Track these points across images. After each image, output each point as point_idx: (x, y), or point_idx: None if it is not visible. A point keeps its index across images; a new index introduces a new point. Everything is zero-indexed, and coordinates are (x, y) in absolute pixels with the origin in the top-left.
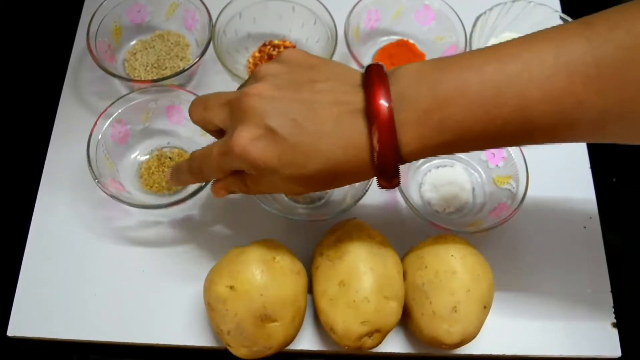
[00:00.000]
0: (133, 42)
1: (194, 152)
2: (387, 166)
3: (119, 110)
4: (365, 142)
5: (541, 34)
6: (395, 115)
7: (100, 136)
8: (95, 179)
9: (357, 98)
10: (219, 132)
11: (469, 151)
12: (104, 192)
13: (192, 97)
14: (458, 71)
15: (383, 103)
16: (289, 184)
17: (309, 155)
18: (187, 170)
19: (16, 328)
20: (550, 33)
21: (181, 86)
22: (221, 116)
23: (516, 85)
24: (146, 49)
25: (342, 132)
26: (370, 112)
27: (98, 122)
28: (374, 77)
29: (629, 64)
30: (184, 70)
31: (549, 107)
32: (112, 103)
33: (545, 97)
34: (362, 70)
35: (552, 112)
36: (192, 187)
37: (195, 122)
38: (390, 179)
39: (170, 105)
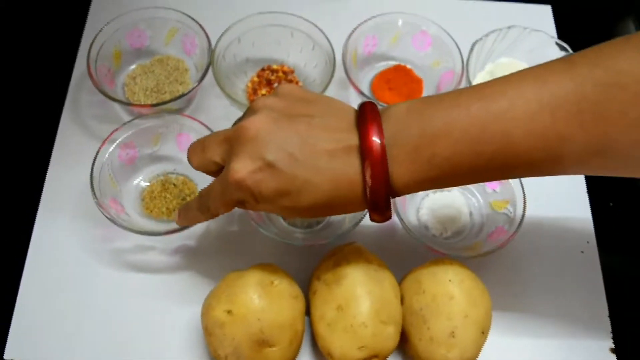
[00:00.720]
0: (132, 67)
1: (201, 191)
2: (379, 200)
3: (129, 133)
4: (359, 178)
5: (526, 72)
6: (387, 151)
7: (107, 156)
8: (94, 199)
9: (351, 135)
10: (220, 172)
11: (458, 185)
12: (102, 213)
13: (202, 128)
14: (445, 110)
15: (376, 140)
16: (284, 211)
17: (304, 188)
18: (196, 208)
19: (14, 351)
20: (534, 72)
21: (180, 110)
22: (220, 153)
23: (501, 123)
24: (146, 73)
25: (336, 168)
26: (363, 149)
27: (106, 143)
28: (367, 115)
29: (608, 101)
30: (183, 95)
31: (534, 143)
32: (123, 125)
33: (530, 134)
34: (357, 106)
35: (536, 147)
36: None
37: (196, 166)
38: (382, 212)
39: (181, 132)
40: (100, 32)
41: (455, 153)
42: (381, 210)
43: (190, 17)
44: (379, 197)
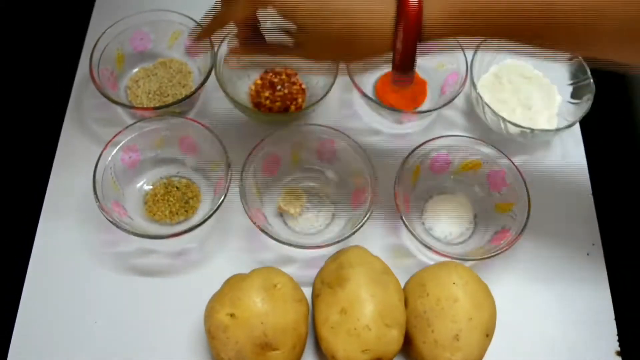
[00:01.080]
0: (136, 70)
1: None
2: (409, 45)
3: (132, 136)
4: (393, 10)
5: None
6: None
7: (109, 159)
8: (97, 202)
9: None
10: None
11: (489, 37)
12: (105, 217)
13: (205, 131)
14: None
15: None
16: (308, 42)
17: (336, 15)
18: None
19: (17, 355)
20: None
21: (183, 113)
22: None
23: None
24: (148, 76)
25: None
26: None
27: (108, 146)
28: None
29: None
30: (185, 98)
31: (573, 5)
32: (126, 128)
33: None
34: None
35: (575, 10)
36: (194, 219)
37: None
38: (407, 65)
39: (184, 135)
40: (102, 35)
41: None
42: (407, 59)
43: (193, 19)
44: (410, 30)
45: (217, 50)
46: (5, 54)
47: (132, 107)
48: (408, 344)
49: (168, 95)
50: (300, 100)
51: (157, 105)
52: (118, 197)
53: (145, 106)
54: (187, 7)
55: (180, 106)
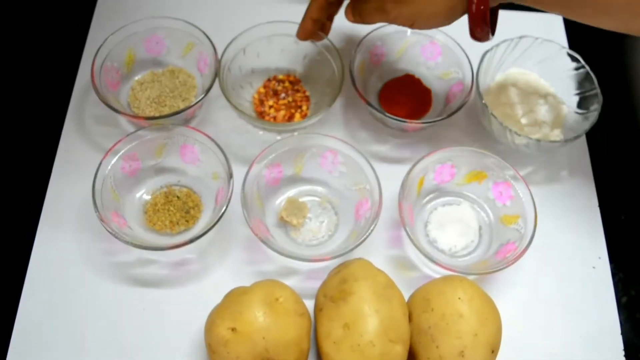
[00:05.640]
0: (145, 72)
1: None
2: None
3: (132, 144)
4: None
5: None
6: None
7: (109, 168)
8: (96, 212)
9: None
10: None
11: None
12: (104, 227)
13: (206, 139)
14: None
15: None
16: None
17: None
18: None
19: None
20: None
21: (177, 124)
22: None
23: None
24: (153, 81)
25: None
26: None
27: (108, 155)
28: None
29: None
30: (178, 112)
31: None
32: (126, 136)
33: None
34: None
35: None
36: (195, 229)
37: None
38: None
39: (185, 144)
40: (105, 41)
41: None
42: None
43: (207, 36)
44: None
45: (220, 59)
46: (3, 56)
47: (119, 112)
48: None
49: (165, 105)
50: (304, 107)
51: (154, 114)
52: (117, 207)
53: (141, 112)
54: (187, 17)
55: (173, 119)
